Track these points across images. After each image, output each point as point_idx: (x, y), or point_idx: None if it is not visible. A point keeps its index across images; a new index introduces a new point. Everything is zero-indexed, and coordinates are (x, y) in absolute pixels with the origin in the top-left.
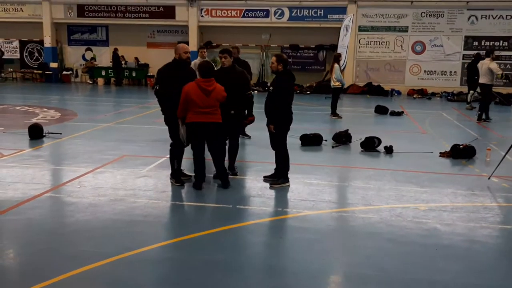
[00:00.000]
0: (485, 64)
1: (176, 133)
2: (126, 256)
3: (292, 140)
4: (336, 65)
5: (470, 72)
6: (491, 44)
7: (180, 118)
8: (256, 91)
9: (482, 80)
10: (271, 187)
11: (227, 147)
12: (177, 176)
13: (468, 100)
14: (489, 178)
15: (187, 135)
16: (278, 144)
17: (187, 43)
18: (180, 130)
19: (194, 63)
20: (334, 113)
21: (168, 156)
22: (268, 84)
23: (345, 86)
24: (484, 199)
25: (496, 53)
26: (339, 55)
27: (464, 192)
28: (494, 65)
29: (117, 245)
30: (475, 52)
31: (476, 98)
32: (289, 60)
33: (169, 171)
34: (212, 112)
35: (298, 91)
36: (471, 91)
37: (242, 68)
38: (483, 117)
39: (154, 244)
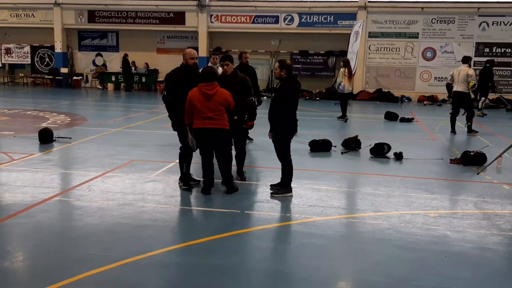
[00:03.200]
0: (463, 71)
1: (184, 138)
2: (134, 260)
3: (301, 146)
4: (340, 70)
5: (482, 79)
6: (502, 50)
7: (188, 125)
8: (265, 97)
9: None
10: (272, 197)
11: (234, 152)
12: (185, 180)
13: (480, 107)
14: (477, 174)
15: (196, 141)
16: (280, 153)
17: (196, 49)
18: (189, 136)
19: None
20: (340, 116)
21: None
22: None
23: (346, 92)
24: (495, 206)
25: (508, 60)
26: (346, 60)
27: (475, 199)
28: (471, 72)
29: (125, 249)
30: (488, 58)
31: (488, 105)
32: (299, 66)
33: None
34: (216, 117)
35: (307, 97)
36: (483, 98)
37: (246, 74)
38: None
39: (162, 248)
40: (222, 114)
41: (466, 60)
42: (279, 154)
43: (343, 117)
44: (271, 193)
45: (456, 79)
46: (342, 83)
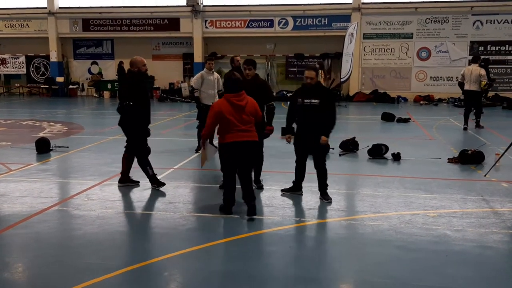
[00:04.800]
0: (475, 71)
1: (141, 144)
2: (135, 268)
3: None
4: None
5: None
6: (496, 48)
7: (205, 139)
8: None
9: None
10: (326, 201)
11: None
12: (157, 181)
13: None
14: (485, 175)
15: (223, 158)
16: (323, 159)
17: (192, 54)
18: (205, 151)
19: (201, 74)
20: None
21: (174, 166)
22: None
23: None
24: (494, 204)
25: (502, 58)
26: (321, 63)
27: (474, 197)
28: (483, 72)
29: (126, 257)
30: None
31: (484, 103)
32: (294, 69)
33: (177, 182)
34: (250, 129)
35: None
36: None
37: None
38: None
39: (162, 255)
40: (253, 126)
41: (476, 59)
42: (322, 161)
43: None
44: (321, 199)
45: (468, 79)
46: None
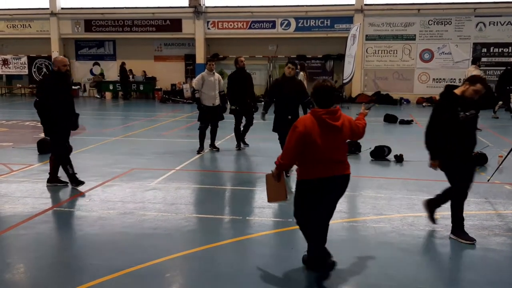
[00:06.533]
0: (469, 72)
1: (59, 143)
2: (136, 269)
3: None
4: (300, 73)
5: (502, 81)
6: (499, 50)
7: (282, 170)
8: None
9: None
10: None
11: None
12: (76, 180)
13: (495, 109)
14: (488, 180)
15: (302, 199)
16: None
17: (194, 56)
18: (283, 187)
19: (202, 76)
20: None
21: (175, 168)
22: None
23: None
24: (497, 206)
25: (505, 59)
26: (302, 64)
27: (477, 199)
28: (477, 72)
29: (127, 259)
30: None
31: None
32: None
33: (179, 184)
34: (343, 159)
35: None
36: (500, 102)
37: (242, 79)
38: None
39: (164, 257)
40: (346, 153)
41: (475, 61)
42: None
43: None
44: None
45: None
46: None
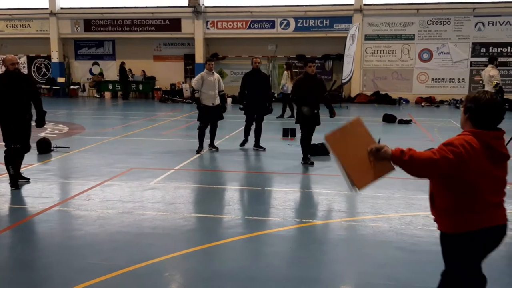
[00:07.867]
0: (486, 72)
1: (6, 141)
2: (135, 268)
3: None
4: (284, 73)
5: None
6: (498, 50)
7: (409, 168)
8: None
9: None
10: None
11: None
12: (15, 182)
13: None
14: None
15: (468, 258)
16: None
17: (193, 55)
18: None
19: (202, 75)
20: (280, 115)
21: (175, 167)
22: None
23: (289, 92)
24: None
25: (504, 59)
26: (289, 64)
27: None
28: (493, 72)
29: (126, 258)
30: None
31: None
32: (296, 70)
33: (178, 183)
34: (503, 200)
35: None
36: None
37: (259, 79)
38: None
39: (163, 256)
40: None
41: (491, 60)
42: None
43: (282, 116)
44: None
45: (485, 80)
46: (285, 84)
